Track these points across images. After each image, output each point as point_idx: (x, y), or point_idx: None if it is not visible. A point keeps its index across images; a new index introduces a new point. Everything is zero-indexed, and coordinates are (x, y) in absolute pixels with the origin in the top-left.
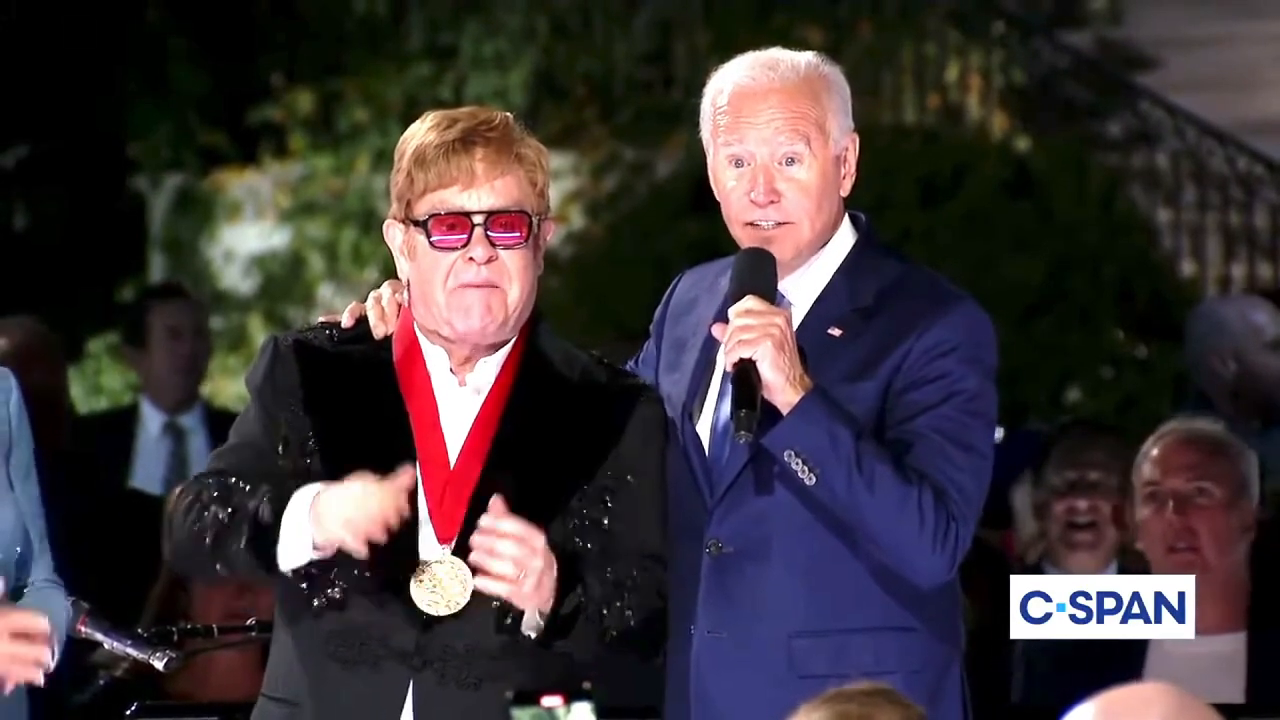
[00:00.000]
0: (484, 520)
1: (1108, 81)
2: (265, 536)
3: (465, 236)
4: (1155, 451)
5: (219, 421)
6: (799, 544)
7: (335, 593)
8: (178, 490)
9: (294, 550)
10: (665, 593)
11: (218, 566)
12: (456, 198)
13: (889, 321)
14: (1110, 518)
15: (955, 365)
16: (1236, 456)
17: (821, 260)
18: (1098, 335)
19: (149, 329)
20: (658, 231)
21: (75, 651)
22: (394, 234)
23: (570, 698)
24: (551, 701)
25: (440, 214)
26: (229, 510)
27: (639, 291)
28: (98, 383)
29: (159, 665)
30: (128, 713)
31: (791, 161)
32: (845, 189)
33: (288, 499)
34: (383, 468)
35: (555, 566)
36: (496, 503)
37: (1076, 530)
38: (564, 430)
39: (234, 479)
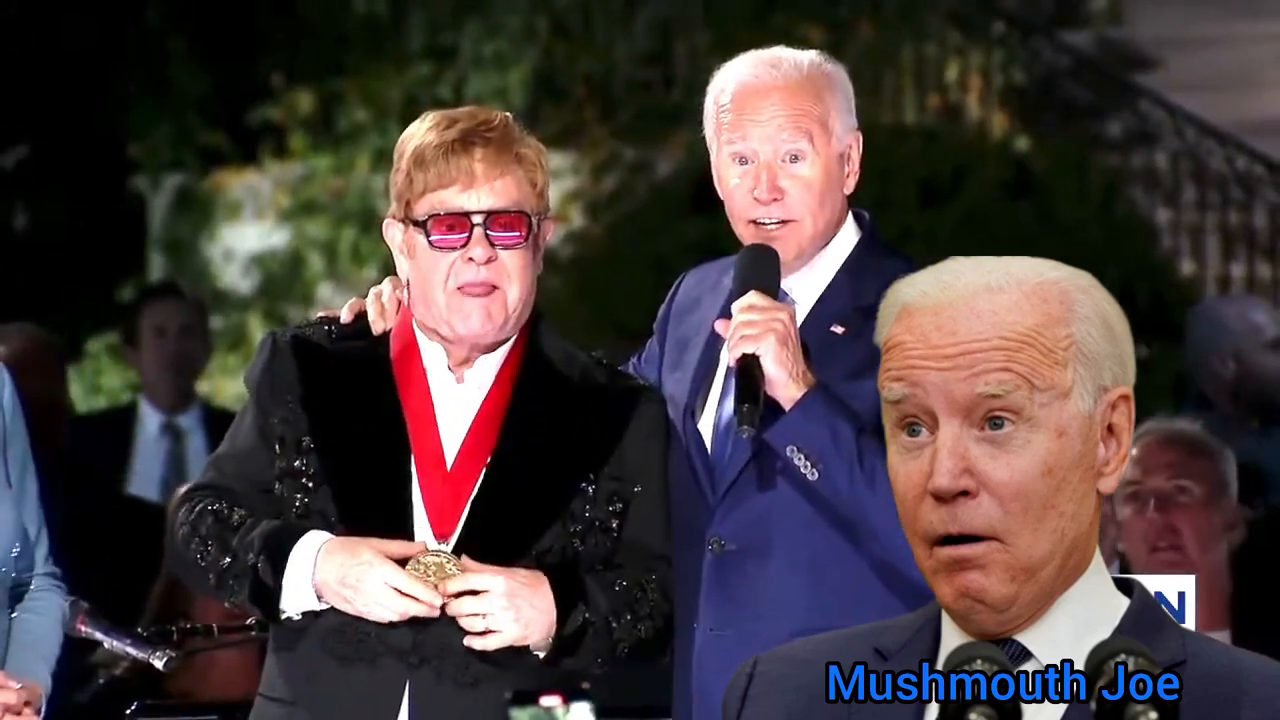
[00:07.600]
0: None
1: (1108, 82)
2: (267, 593)
3: (465, 237)
4: (1135, 452)
5: (217, 421)
6: (801, 541)
7: None
8: (177, 499)
9: (297, 600)
10: (672, 595)
11: (224, 603)
12: (456, 198)
13: None
14: (1110, 517)
15: None
16: (1215, 455)
17: (825, 258)
18: None
19: (141, 329)
20: (658, 231)
21: (75, 651)
22: (393, 233)
23: (569, 697)
24: (550, 701)
25: (440, 214)
26: (229, 558)
27: (639, 291)
28: (97, 383)
29: (158, 665)
30: (128, 712)
31: (795, 159)
32: (849, 187)
33: (286, 546)
34: (378, 466)
35: (544, 588)
36: (466, 562)
37: None
38: (565, 430)
39: (230, 512)
